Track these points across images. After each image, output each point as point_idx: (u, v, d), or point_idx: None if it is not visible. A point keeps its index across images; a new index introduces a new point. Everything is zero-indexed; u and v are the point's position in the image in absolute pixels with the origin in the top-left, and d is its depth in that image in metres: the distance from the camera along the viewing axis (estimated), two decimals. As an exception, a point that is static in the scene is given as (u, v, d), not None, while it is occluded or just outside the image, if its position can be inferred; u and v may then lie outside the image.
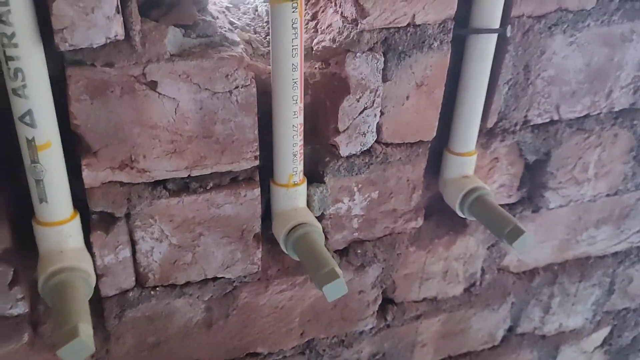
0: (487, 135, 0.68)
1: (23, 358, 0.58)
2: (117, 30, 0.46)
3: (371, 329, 0.76)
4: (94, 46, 0.46)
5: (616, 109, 0.73)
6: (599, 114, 0.72)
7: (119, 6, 0.45)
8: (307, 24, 0.62)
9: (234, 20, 0.62)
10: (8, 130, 0.48)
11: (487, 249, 0.78)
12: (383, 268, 0.71)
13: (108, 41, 0.46)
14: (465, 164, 0.67)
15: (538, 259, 0.84)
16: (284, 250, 0.60)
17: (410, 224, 0.70)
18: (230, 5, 0.66)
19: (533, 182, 0.76)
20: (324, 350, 0.74)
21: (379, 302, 0.74)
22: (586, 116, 0.72)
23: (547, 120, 0.70)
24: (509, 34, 0.58)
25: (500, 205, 0.75)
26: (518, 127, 0.69)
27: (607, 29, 0.66)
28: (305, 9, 0.62)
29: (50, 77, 0.47)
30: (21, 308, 0.56)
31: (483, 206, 0.65)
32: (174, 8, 0.53)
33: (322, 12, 0.61)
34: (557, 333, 0.94)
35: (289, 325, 0.70)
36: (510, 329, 0.89)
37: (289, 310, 0.69)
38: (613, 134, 0.75)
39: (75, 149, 0.51)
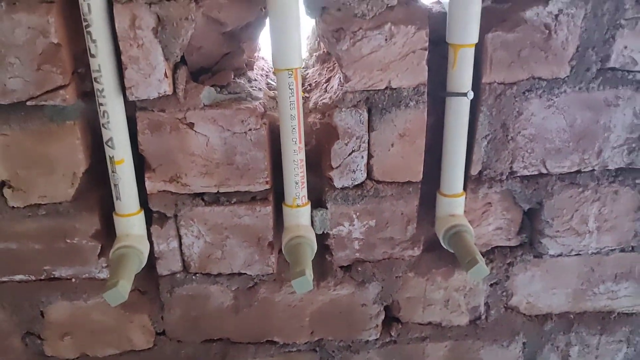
0: (475, 181, 0.79)
1: (104, 310, 0.83)
2: (165, 88, 0.69)
3: (376, 340, 0.88)
4: (151, 98, 0.70)
5: (611, 167, 0.78)
6: (592, 170, 0.78)
7: (168, 73, 0.69)
8: (323, 84, 0.80)
9: (271, 82, 0.83)
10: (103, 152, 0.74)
11: (490, 286, 0.86)
12: (382, 287, 0.84)
13: (160, 95, 0.69)
14: (452, 204, 0.78)
15: (551, 305, 0.89)
16: (284, 253, 0.77)
17: (407, 252, 0.82)
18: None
19: (532, 228, 0.83)
20: (333, 352, 0.89)
21: (382, 317, 0.87)
22: (578, 172, 0.78)
23: (535, 172, 0.78)
24: (470, 98, 0.70)
25: (500, 247, 0.85)
26: (504, 177, 0.78)
27: (587, 95, 0.73)
28: (325, 74, 0.81)
29: (127, 117, 0.72)
30: (105, 273, 0.81)
31: (457, 239, 0.75)
32: (216, 74, 0.75)
33: (333, 77, 0.79)
34: (583, 385, 0.95)
35: (300, 323, 0.86)
36: (527, 371, 0.94)
37: (300, 309, 0.85)
38: (613, 190, 0.80)
39: (142, 165, 0.75)
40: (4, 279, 0.81)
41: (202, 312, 0.85)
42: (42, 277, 0.81)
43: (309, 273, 0.70)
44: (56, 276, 0.81)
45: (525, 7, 0.69)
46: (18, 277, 0.81)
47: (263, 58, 0.87)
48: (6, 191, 0.75)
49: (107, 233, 0.79)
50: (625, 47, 0.71)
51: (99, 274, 0.81)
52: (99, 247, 0.79)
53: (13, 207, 0.76)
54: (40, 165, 0.73)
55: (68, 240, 0.78)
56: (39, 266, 0.80)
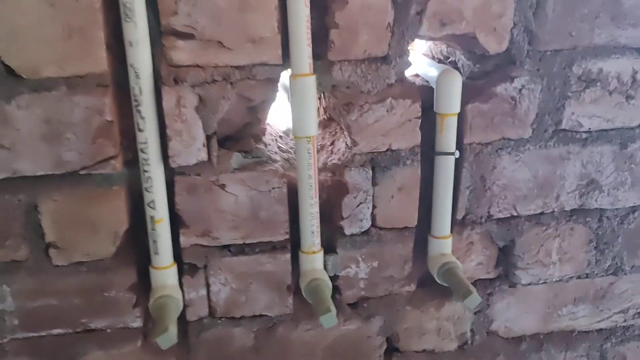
0: (460, 225, 0.94)
1: (136, 357, 0.91)
2: (202, 156, 0.80)
3: (379, 369, 1.00)
4: (190, 164, 0.81)
5: (567, 209, 0.95)
6: (552, 212, 0.95)
7: (205, 142, 0.80)
8: (329, 146, 0.94)
9: (281, 145, 0.96)
10: (140, 213, 0.84)
11: (475, 314, 1.00)
12: (385, 320, 0.97)
13: (197, 161, 0.81)
14: (442, 245, 0.93)
15: (524, 328, 1.04)
16: (304, 295, 0.88)
17: (404, 288, 0.96)
18: (283, 135, 1.00)
19: (506, 262, 0.98)
20: (342, 382, 0.99)
21: (384, 347, 0.98)
22: (541, 213, 0.95)
23: (508, 215, 0.94)
24: (456, 156, 0.85)
25: (481, 279, 0.99)
26: (484, 220, 0.94)
27: (546, 151, 0.91)
28: (328, 138, 0.95)
29: (166, 181, 0.82)
30: (138, 323, 0.89)
31: (450, 274, 0.89)
32: (240, 141, 0.88)
33: (337, 140, 0.92)
34: (554, 398, 1.10)
35: (314, 358, 0.96)
36: (506, 388, 1.07)
37: (314, 345, 0.96)
38: (569, 227, 0.97)
39: (176, 222, 0.85)
40: (43, 333, 0.87)
41: (225, 354, 0.94)
42: (79, 330, 0.88)
43: (334, 309, 0.81)
44: (92, 328, 0.88)
45: (496, 83, 0.86)
46: (56, 331, 0.87)
47: (269, 124, 1.00)
48: (52, 251, 0.82)
49: (141, 285, 0.88)
50: (573, 113, 0.89)
51: (133, 324, 0.88)
52: (135, 299, 0.87)
53: (57, 265, 0.83)
54: (85, 227, 0.82)
55: (106, 294, 0.86)
56: (77, 319, 0.87)
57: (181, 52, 0.76)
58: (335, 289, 0.94)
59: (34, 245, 0.82)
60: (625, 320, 1.06)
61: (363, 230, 0.90)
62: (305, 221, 0.87)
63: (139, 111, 0.77)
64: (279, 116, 1.05)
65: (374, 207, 0.89)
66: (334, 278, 0.92)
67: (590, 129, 0.91)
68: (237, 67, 0.79)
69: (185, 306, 0.89)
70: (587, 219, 0.97)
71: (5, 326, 0.85)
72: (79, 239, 0.82)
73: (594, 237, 0.98)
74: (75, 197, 0.80)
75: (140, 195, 0.82)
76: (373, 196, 0.88)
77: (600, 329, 1.06)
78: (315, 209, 0.86)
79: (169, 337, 0.76)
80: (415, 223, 0.91)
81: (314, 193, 0.85)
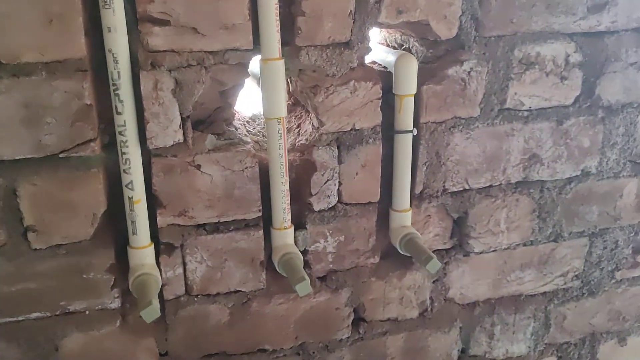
0: (418, 198, 1.02)
1: (115, 338, 0.93)
2: (179, 137, 0.84)
3: (348, 338, 1.06)
4: (167, 146, 0.84)
5: (512, 181, 1.05)
6: (500, 184, 1.04)
7: (181, 124, 0.84)
8: (295, 129, 0.99)
9: (250, 129, 1.01)
10: (117, 194, 0.86)
11: (433, 283, 1.08)
12: (352, 292, 1.03)
13: (174, 143, 0.84)
14: (403, 217, 1.00)
15: (477, 294, 1.13)
16: (277, 269, 0.93)
17: (369, 260, 1.02)
18: (250, 120, 1.05)
19: (460, 233, 1.07)
20: (313, 353, 1.05)
21: (352, 317, 1.05)
22: (490, 186, 1.04)
23: (461, 189, 1.03)
24: (414, 134, 0.93)
25: (438, 250, 1.07)
26: (439, 193, 1.02)
27: (493, 128, 1.00)
28: (293, 121, 1.01)
29: (143, 162, 0.85)
30: (116, 303, 0.91)
31: (411, 244, 0.97)
32: (212, 124, 0.92)
33: (303, 123, 0.98)
34: (505, 358, 1.19)
35: (286, 330, 1.02)
36: (463, 351, 1.16)
37: (286, 318, 1.01)
38: (515, 199, 1.06)
39: (153, 203, 0.88)
40: (21, 317, 0.88)
41: (202, 330, 0.97)
42: (58, 313, 0.89)
43: (307, 278, 0.87)
44: (71, 310, 0.89)
45: (448, 66, 0.94)
46: (34, 315, 0.88)
47: (237, 110, 1.05)
48: (30, 235, 0.84)
49: (119, 266, 0.90)
50: (515, 93, 0.99)
51: (111, 305, 0.91)
52: (113, 280, 0.90)
53: (35, 249, 0.85)
54: (64, 209, 0.84)
55: (84, 276, 0.88)
56: (55, 302, 0.88)
57: (157, 38, 0.80)
58: (306, 264, 0.99)
59: (12, 230, 0.83)
60: (565, 283, 1.17)
61: (330, 206, 0.96)
62: (277, 199, 0.92)
63: (117, 95, 0.80)
64: (245, 103, 1.10)
65: (340, 183, 0.95)
66: (304, 253, 0.98)
67: (530, 107, 1.01)
68: (210, 52, 0.83)
69: (163, 285, 0.92)
70: (530, 190, 1.07)
71: (-17, 312, 0.86)
72: (58, 221, 0.84)
73: (537, 206, 1.08)
74: (54, 180, 0.82)
75: (117, 177, 0.85)
76: (339, 173, 0.95)
77: (544, 292, 1.17)
78: (286, 187, 0.91)
79: (153, 310, 0.80)
80: (378, 198, 0.98)
81: (285, 172, 0.90)
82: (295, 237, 0.96)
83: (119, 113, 0.81)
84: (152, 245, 0.89)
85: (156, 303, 0.81)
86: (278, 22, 0.83)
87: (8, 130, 0.78)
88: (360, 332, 1.07)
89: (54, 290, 0.88)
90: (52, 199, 0.83)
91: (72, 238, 0.86)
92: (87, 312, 0.91)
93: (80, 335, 0.91)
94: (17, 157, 0.79)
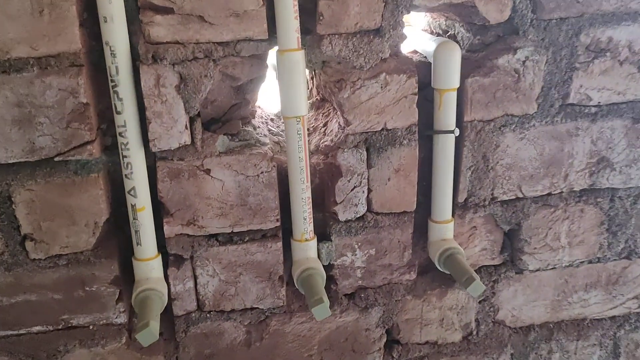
0: (461, 208, 0.88)
1: (121, 355, 0.86)
2: (185, 139, 0.75)
3: (379, 362, 0.95)
4: (172, 148, 0.76)
5: (576, 189, 0.89)
6: (560, 192, 0.89)
7: (187, 125, 0.75)
8: (321, 128, 0.88)
9: (272, 128, 0.90)
10: (122, 202, 0.79)
11: (479, 303, 0.95)
12: (384, 311, 0.91)
13: (180, 145, 0.75)
14: (443, 229, 0.87)
15: (532, 317, 0.98)
16: (296, 285, 0.83)
17: (404, 276, 0.90)
18: (274, 117, 0.95)
19: (512, 247, 0.93)
20: (340, 377, 0.94)
21: (384, 340, 0.93)
22: (549, 194, 0.89)
23: (513, 197, 0.88)
24: (456, 134, 0.80)
25: (485, 266, 0.94)
26: (487, 202, 0.88)
27: (552, 127, 0.85)
28: (320, 119, 0.89)
29: (147, 167, 0.77)
30: (122, 318, 0.84)
31: (452, 261, 0.84)
32: (226, 123, 0.82)
33: (330, 121, 0.87)
34: (565, 389, 1.05)
35: (309, 352, 0.92)
36: (515, 380, 1.02)
37: (309, 338, 0.91)
38: (579, 209, 0.91)
39: (160, 211, 0.80)
40: (22, 331, 0.82)
41: (215, 349, 0.89)
42: (60, 327, 0.83)
43: (327, 300, 0.76)
44: (74, 324, 0.83)
45: (498, 55, 0.80)
46: (36, 329, 0.82)
47: (260, 107, 0.95)
48: (28, 244, 0.78)
49: (125, 278, 0.83)
50: (581, 86, 0.84)
51: (117, 319, 0.84)
52: (117, 293, 0.82)
53: (34, 259, 0.79)
54: (63, 217, 0.77)
55: (87, 288, 0.81)
56: (57, 316, 0.82)
57: (160, 28, 0.71)
58: (330, 279, 0.88)
59: (9, 238, 0.77)
60: (639, 307, 1.00)
61: (358, 215, 0.85)
62: (297, 207, 0.81)
63: (116, 92, 0.72)
64: (270, 98, 1.00)
65: (369, 190, 0.84)
66: (328, 267, 0.87)
67: (599, 102, 0.85)
68: (219, 44, 0.73)
69: (171, 300, 0.84)
70: (598, 200, 0.91)
71: (-18, 324, 0.81)
72: (56, 230, 0.78)
73: (606, 218, 0.92)
74: (51, 186, 0.76)
75: (121, 183, 0.77)
76: (368, 179, 0.83)
77: (614, 316, 1.01)
78: (307, 194, 0.81)
79: (149, 333, 0.71)
80: (414, 207, 0.86)
81: (306, 177, 0.80)
82: (318, 249, 0.86)
83: (118, 112, 0.73)
84: (159, 257, 0.81)
85: (155, 325, 0.73)
86: (297, 7, 0.72)
87: (0, 132, 0.72)
88: (394, 355, 0.95)
89: (55, 303, 0.81)
90: (49, 205, 0.76)
91: (73, 248, 0.79)
92: (90, 326, 0.84)
93: (84, 351, 0.85)
94: (10, 161, 0.73)
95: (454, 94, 0.80)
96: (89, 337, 0.84)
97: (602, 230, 0.93)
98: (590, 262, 0.96)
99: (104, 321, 0.84)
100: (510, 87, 0.82)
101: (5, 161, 0.73)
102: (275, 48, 0.76)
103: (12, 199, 0.75)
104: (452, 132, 0.80)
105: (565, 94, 0.84)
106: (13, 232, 0.77)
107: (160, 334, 0.88)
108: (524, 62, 0.81)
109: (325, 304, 0.75)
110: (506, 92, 0.82)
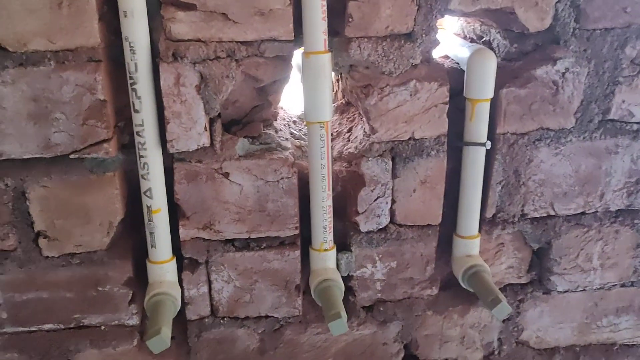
0: (489, 223, 0.84)
1: (132, 356, 0.84)
2: (204, 141, 0.73)
3: (396, 378, 0.91)
4: (190, 150, 0.73)
5: (612, 209, 0.85)
6: (595, 212, 0.85)
7: (207, 126, 0.73)
8: (345, 134, 0.85)
9: (294, 131, 0.87)
10: (138, 202, 0.77)
11: (503, 322, 0.91)
12: (403, 326, 0.88)
13: (199, 147, 0.73)
14: (469, 245, 0.84)
15: (558, 339, 0.94)
16: (313, 296, 0.80)
17: (426, 291, 0.87)
18: (297, 120, 0.92)
19: (541, 266, 0.89)
20: (354, 391, 0.91)
21: (402, 355, 0.90)
22: (583, 213, 0.85)
23: (544, 214, 0.84)
24: (488, 147, 0.76)
25: (511, 284, 0.90)
26: (516, 219, 0.84)
27: (590, 144, 0.80)
28: (345, 124, 0.86)
29: (164, 168, 0.75)
30: (134, 320, 0.82)
31: (477, 279, 0.80)
32: (247, 125, 0.80)
33: (355, 127, 0.84)
34: (589, 415, 1.00)
35: (324, 363, 0.89)
36: (536, 403, 0.98)
37: (325, 350, 0.88)
38: (614, 230, 0.86)
39: (175, 214, 0.78)
40: (33, 328, 0.81)
41: (228, 356, 0.87)
42: (72, 326, 0.82)
43: (344, 315, 0.73)
44: (85, 324, 0.82)
45: (536, 66, 0.76)
46: (47, 327, 0.81)
47: (282, 108, 0.92)
48: (41, 241, 0.76)
49: (138, 280, 0.81)
50: (623, 101, 0.79)
51: (129, 321, 0.82)
52: (130, 294, 0.81)
53: (47, 256, 0.77)
54: (77, 216, 0.75)
55: (100, 288, 0.80)
56: (69, 315, 0.81)
57: (181, 25, 0.68)
58: (349, 290, 0.85)
59: (22, 234, 0.76)
60: (672, 334, 0.95)
61: (381, 227, 0.81)
62: (317, 215, 0.78)
63: (134, 90, 0.69)
64: (293, 99, 0.97)
65: (393, 201, 0.80)
66: (347, 278, 0.84)
67: (642, 119, 0.80)
68: (243, 43, 0.71)
69: (185, 304, 0.82)
70: (635, 221, 0.86)
71: (-7, 319, 0.80)
72: (71, 228, 0.76)
73: (642, 241, 0.88)
74: (66, 183, 0.74)
75: (138, 183, 0.75)
76: (392, 190, 0.80)
77: (645, 343, 0.96)
78: (328, 203, 0.78)
79: (161, 340, 0.69)
80: (439, 220, 0.82)
81: (327, 185, 0.77)
82: (337, 260, 0.83)
83: (136, 111, 0.70)
84: (174, 261, 0.79)
85: (166, 332, 0.71)
86: (325, 7, 0.69)
87: (15, 126, 0.70)
88: (412, 372, 0.92)
89: (67, 302, 0.80)
90: (64, 203, 0.75)
91: (86, 247, 0.77)
92: (102, 327, 0.82)
93: (95, 351, 0.83)
94: (25, 157, 0.71)
95: (487, 105, 0.76)
96: (100, 338, 0.83)
97: (637, 253, 0.88)
98: (623, 285, 0.91)
99: (116, 322, 0.82)
100: (548, 99, 0.77)
101: (20, 156, 0.71)
102: (301, 49, 0.73)
103: (26, 195, 0.74)
104: (483, 144, 0.76)
105: (606, 109, 0.79)
106: (26, 228, 0.76)
107: (172, 337, 0.85)
108: (563, 73, 0.76)
109: (342, 319, 0.72)
110: (543, 105, 0.77)
